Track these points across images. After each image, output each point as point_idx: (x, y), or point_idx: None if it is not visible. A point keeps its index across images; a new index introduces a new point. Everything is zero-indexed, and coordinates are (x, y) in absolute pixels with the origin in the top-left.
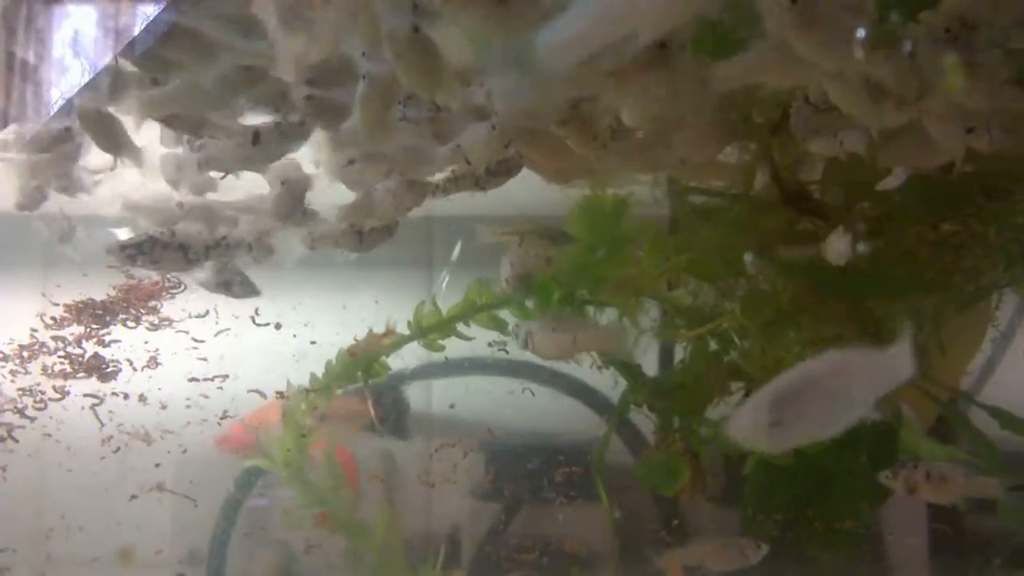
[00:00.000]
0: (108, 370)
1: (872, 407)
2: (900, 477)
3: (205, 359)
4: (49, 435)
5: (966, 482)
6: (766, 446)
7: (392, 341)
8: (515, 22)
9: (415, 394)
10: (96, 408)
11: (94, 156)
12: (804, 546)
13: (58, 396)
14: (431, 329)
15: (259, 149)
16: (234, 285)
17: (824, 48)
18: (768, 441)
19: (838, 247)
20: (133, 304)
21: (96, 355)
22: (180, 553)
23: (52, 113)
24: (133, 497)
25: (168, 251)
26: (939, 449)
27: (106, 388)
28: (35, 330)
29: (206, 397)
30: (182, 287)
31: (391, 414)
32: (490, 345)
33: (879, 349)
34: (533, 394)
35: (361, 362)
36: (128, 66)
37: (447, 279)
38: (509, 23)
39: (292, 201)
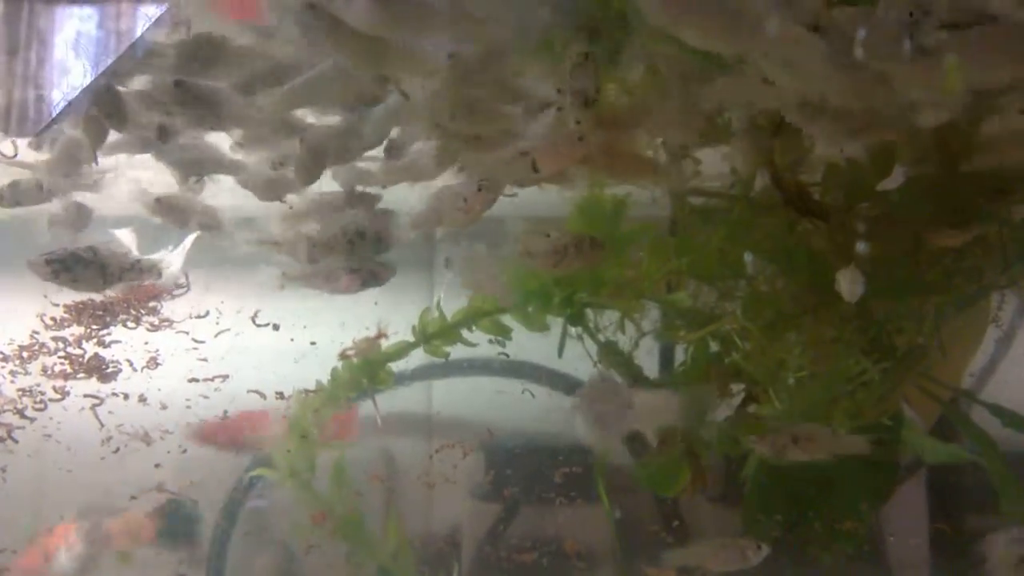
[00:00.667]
0: (108, 371)
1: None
2: (768, 442)
3: (205, 359)
4: (49, 436)
5: (832, 440)
6: None
7: (396, 348)
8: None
9: (416, 395)
10: (96, 409)
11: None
12: (805, 547)
13: (58, 397)
14: (435, 336)
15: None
16: (378, 273)
17: (710, 33)
18: None
19: (849, 283)
20: (133, 305)
21: (96, 356)
22: (180, 554)
23: (55, 115)
24: (133, 498)
25: (88, 270)
26: (941, 448)
27: (106, 389)
28: (37, 332)
29: (206, 397)
30: (185, 288)
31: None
32: (490, 342)
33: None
34: (533, 396)
35: (366, 368)
36: None
37: (444, 286)
38: (389, 23)
39: (314, 160)
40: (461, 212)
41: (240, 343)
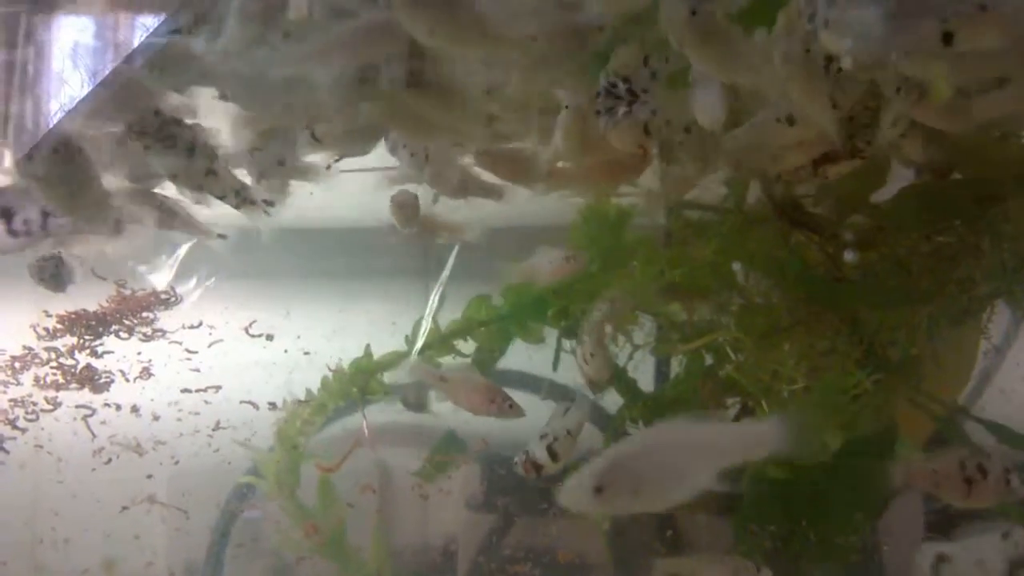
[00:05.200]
0: (100, 381)
1: (717, 479)
2: None
3: (198, 370)
4: (40, 446)
5: None
6: (592, 511)
7: (389, 358)
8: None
9: None
10: (88, 419)
11: None
12: (800, 559)
13: (50, 407)
14: (429, 347)
15: None
16: None
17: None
18: (593, 506)
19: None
20: (126, 315)
21: (88, 366)
22: (175, 566)
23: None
24: (124, 508)
25: None
26: None
27: (98, 399)
28: (31, 347)
29: (196, 414)
30: (177, 299)
31: None
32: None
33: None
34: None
35: (358, 379)
36: None
37: (438, 295)
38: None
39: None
40: None
41: (234, 353)
